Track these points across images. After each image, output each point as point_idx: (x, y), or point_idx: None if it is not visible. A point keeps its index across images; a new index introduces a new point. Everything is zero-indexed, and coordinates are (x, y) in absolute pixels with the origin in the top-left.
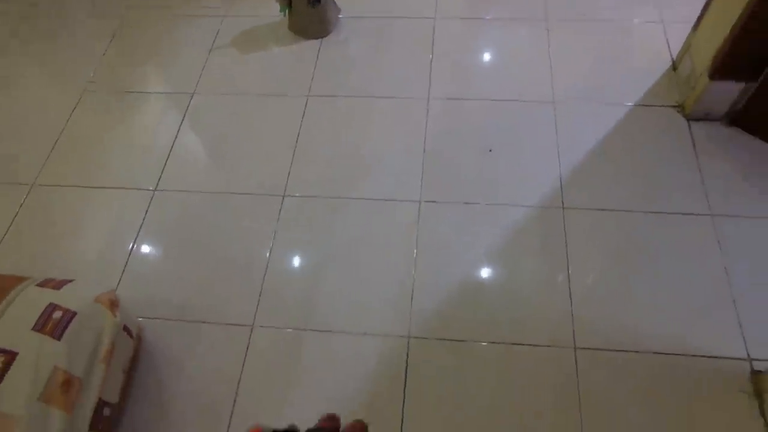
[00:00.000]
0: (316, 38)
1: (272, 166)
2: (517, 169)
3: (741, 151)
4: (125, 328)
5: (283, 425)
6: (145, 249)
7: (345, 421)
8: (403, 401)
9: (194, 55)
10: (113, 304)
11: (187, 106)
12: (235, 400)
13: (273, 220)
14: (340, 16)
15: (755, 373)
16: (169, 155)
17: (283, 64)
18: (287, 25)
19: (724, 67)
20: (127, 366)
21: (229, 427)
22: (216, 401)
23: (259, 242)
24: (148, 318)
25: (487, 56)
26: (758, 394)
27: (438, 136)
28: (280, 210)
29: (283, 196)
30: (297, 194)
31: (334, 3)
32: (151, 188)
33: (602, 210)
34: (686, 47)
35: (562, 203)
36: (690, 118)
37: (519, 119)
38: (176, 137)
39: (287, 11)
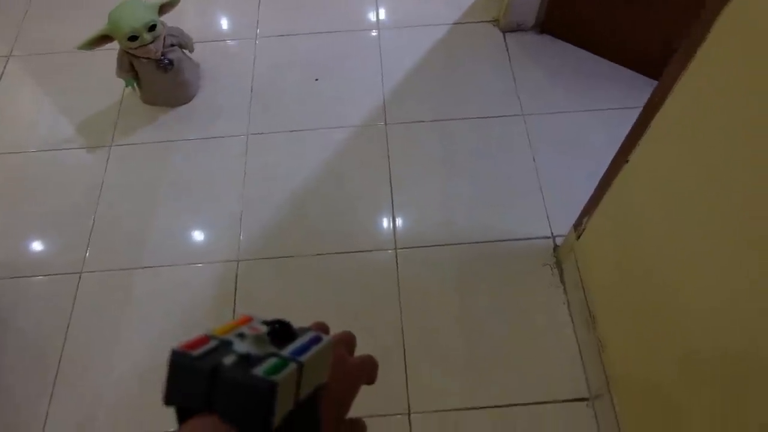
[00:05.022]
0: (181, 105)
1: (100, 116)
2: (342, 95)
3: (550, 56)
4: None
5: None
6: None
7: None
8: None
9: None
10: None
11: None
12: (63, 348)
13: (101, 169)
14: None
15: (557, 248)
16: None
17: None
18: (140, 98)
19: None
20: None
21: (57, 374)
22: (44, 351)
23: (87, 191)
24: None
25: None
26: (558, 264)
27: (265, 72)
28: (107, 159)
29: (111, 147)
30: (125, 143)
31: (190, 60)
32: None
33: (422, 122)
34: None
35: (385, 120)
36: (504, 30)
37: (346, 48)
38: None
39: (134, 84)
